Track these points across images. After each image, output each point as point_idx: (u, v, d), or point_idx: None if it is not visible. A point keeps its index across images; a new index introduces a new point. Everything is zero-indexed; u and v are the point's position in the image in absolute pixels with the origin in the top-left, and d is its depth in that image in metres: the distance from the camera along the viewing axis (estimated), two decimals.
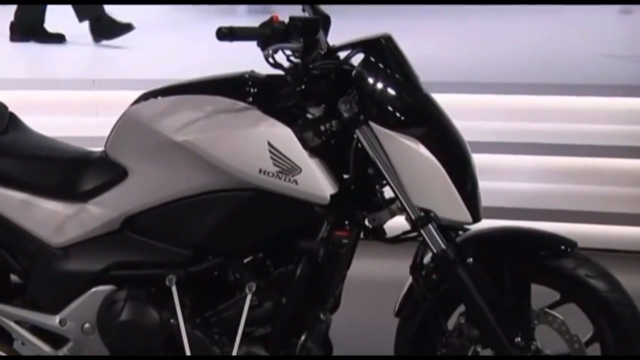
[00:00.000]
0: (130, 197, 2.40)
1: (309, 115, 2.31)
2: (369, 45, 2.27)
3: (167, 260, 2.38)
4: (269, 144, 2.24)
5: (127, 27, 5.51)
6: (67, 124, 4.57)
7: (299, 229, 2.31)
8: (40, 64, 5.54)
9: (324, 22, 2.37)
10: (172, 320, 2.36)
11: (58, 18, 5.72)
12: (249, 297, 2.31)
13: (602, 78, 4.80)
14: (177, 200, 2.34)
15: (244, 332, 2.32)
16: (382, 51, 2.26)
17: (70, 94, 4.84)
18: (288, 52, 2.24)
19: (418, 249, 2.33)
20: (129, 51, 5.52)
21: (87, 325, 2.43)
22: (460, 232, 2.29)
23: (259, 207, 2.30)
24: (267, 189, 2.26)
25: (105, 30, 5.53)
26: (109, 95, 4.68)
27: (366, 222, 2.32)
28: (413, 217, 2.24)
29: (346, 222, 2.33)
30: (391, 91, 2.25)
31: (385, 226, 2.33)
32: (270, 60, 2.18)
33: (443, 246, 2.23)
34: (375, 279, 3.53)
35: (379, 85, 2.24)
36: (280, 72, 2.25)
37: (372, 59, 2.25)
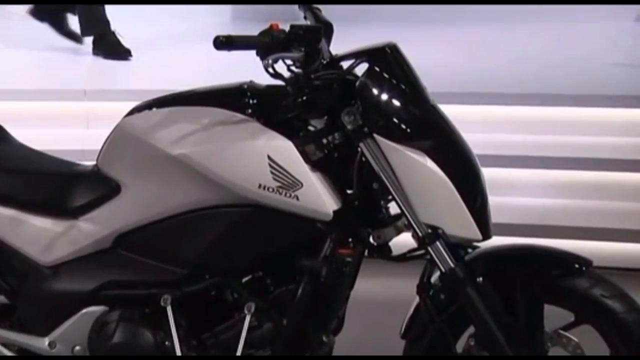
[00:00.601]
0: (123, 213, 2.40)
1: (311, 128, 2.32)
2: (373, 55, 2.28)
3: (162, 280, 2.38)
4: (269, 157, 2.25)
5: (126, 53, 5.53)
6: (57, 136, 4.56)
7: (300, 247, 2.32)
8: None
9: (327, 30, 2.39)
10: (167, 343, 2.36)
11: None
12: (247, 318, 2.31)
13: (616, 88, 4.81)
14: (172, 216, 2.35)
15: (242, 354, 2.32)
16: (387, 60, 2.27)
17: (60, 105, 4.84)
18: (289, 62, 2.25)
19: (425, 268, 2.33)
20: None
21: (77, 347, 2.43)
22: (470, 250, 2.28)
23: (258, 223, 2.31)
24: (266, 204, 2.26)
25: (107, 48, 5.56)
26: (101, 107, 4.68)
27: (371, 240, 2.32)
28: (420, 234, 2.24)
29: (350, 240, 2.33)
30: (397, 102, 2.25)
31: (391, 244, 2.34)
32: (270, 70, 2.18)
33: (451, 265, 2.23)
34: (381, 299, 3.53)
35: (384, 96, 2.25)
36: (280, 82, 2.25)
37: (377, 69, 2.26)
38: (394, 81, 2.26)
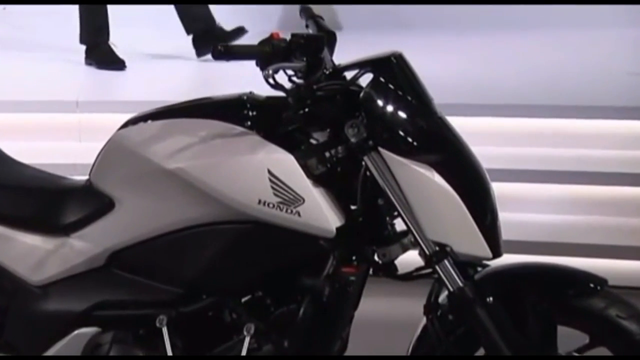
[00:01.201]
0: (116, 230, 2.41)
1: (313, 141, 2.32)
2: (378, 65, 2.29)
3: (157, 300, 2.38)
4: (269, 172, 2.25)
5: (120, 63, 5.50)
6: (48, 149, 4.58)
7: (302, 265, 2.32)
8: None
9: (329, 39, 2.39)
10: None
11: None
12: (247, 339, 2.31)
13: (633, 100, 4.81)
14: (168, 233, 2.35)
15: None
16: (392, 71, 2.28)
17: (51, 117, 4.84)
18: (290, 72, 2.26)
19: (433, 287, 2.33)
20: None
21: None
22: (479, 269, 2.29)
23: (258, 240, 2.31)
24: (267, 221, 2.27)
25: (99, 58, 5.56)
26: (94, 119, 4.69)
27: (376, 258, 2.33)
28: (427, 252, 2.24)
29: (354, 258, 2.33)
30: (402, 114, 2.26)
31: (397, 262, 2.34)
32: (271, 80, 2.19)
33: (460, 284, 2.23)
34: (386, 320, 3.53)
35: (389, 108, 2.26)
36: (281, 93, 2.26)
37: (382, 79, 2.27)
38: (400, 92, 2.27)
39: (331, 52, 2.43)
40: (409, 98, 2.27)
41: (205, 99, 2.45)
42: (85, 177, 2.50)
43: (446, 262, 2.23)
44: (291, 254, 2.32)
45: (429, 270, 2.27)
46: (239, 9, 6.18)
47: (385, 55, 2.30)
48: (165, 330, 2.35)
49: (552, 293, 2.26)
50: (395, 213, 2.28)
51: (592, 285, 2.25)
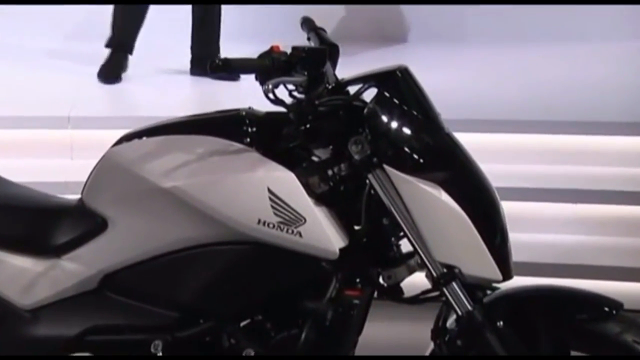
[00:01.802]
0: (110, 251, 2.41)
1: (315, 158, 2.33)
2: (382, 79, 2.30)
3: (152, 324, 2.38)
4: (269, 190, 2.26)
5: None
6: (38, 167, 4.57)
7: (303, 288, 2.32)
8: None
9: (332, 52, 2.40)
10: None
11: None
12: None
13: None
14: (164, 255, 2.36)
15: None
16: (397, 85, 2.29)
17: (42, 133, 4.83)
18: (291, 87, 2.27)
19: (441, 311, 2.33)
20: None
21: None
22: (489, 292, 2.29)
23: (257, 262, 2.32)
24: (266, 241, 2.27)
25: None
26: (86, 135, 4.69)
27: (381, 280, 2.33)
28: (434, 274, 2.24)
29: (358, 280, 2.34)
30: (408, 130, 2.27)
31: (403, 284, 2.34)
32: (271, 95, 2.19)
33: (469, 307, 2.23)
34: (392, 345, 3.52)
35: (395, 124, 2.26)
36: (281, 109, 2.27)
37: (387, 94, 2.28)
38: (406, 107, 2.27)
39: (334, 65, 2.43)
40: (415, 113, 2.28)
41: (203, 115, 2.46)
42: (77, 196, 2.51)
43: (454, 284, 2.23)
44: (292, 276, 2.33)
45: (437, 293, 2.27)
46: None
47: (390, 69, 2.31)
48: (160, 356, 2.35)
49: (566, 317, 2.26)
50: (401, 233, 2.28)
51: (607, 309, 2.25)
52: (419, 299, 2.33)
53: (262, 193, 2.26)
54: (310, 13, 2.66)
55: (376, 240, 2.32)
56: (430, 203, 2.23)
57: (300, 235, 2.25)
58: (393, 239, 2.33)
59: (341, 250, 2.28)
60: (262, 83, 2.21)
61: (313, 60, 2.24)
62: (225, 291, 2.34)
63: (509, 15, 6.44)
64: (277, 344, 2.34)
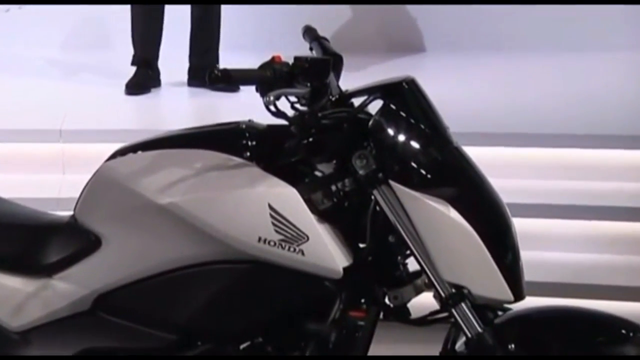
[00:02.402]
0: (103, 271, 2.41)
1: (318, 173, 2.34)
2: (388, 90, 2.30)
3: (148, 347, 2.38)
4: (270, 207, 2.26)
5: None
6: (28, 182, 4.58)
7: (305, 309, 2.32)
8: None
9: (335, 63, 2.41)
10: None
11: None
12: None
13: None
14: (160, 274, 2.36)
15: None
16: (404, 97, 2.29)
17: (32, 147, 4.84)
18: (293, 99, 2.28)
19: (449, 333, 2.33)
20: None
21: None
22: (500, 313, 2.29)
23: (257, 282, 2.32)
24: (267, 260, 2.27)
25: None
26: (79, 149, 4.70)
27: (386, 300, 2.33)
28: (443, 294, 2.24)
29: (362, 301, 2.34)
30: (415, 144, 2.27)
31: (410, 305, 2.34)
32: (272, 107, 2.20)
33: (479, 329, 2.23)
34: None
35: (401, 137, 2.27)
36: (283, 121, 2.27)
37: (393, 107, 2.28)
38: (412, 120, 2.28)
39: (337, 76, 2.44)
40: (422, 126, 2.28)
41: (201, 128, 2.47)
42: (70, 213, 2.51)
43: (463, 305, 2.23)
44: (294, 297, 2.33)
45: (445, 314, 2.27)
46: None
47: (396, 81, 2.32)
48: None
49: (580, 340, 2.26)
50: (408, 252, 2.28)
51: (624, 331, 2.25)
52: (426, 321, 2.33)
53: (262, 209, 2.26)
54: (315, 22, 2.67)
55: (382, 258, 2.32)
56: (438, 220, 2.23)
57: (303, 253, 2.26)
58: (399, 257, 2.33)
59: (345, 269, 2.28)
60: (262, 95, 2.21)
61: (316, 71, 2.24)
62: (224, 312, 2.34)
63: (525, 23, 6.49)
64: None
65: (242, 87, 4.82)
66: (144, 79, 5.59)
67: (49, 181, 4.64)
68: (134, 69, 5.60)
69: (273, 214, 2.26)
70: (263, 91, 2.22)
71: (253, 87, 2.27)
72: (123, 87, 5.51)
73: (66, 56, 6.39)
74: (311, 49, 2.52)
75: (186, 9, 5.73)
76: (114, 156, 2.45)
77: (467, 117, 4.55)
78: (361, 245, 2.34)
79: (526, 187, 4.45)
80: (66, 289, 2.44)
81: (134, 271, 2.37)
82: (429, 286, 2.28)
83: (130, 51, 5.64)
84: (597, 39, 6.44)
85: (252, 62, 2.36)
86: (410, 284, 2.33)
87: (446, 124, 2.31)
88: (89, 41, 6.58)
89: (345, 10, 6.66)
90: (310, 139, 2.27)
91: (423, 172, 2.26)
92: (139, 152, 2.42)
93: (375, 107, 2.30)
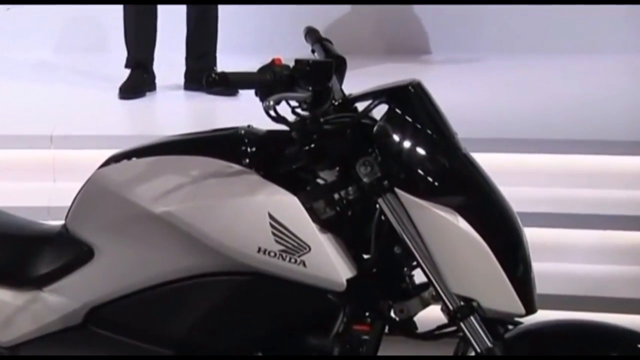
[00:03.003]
0: (96, 283, 2.41)
1: (320, 181, 2.34)
2: (393, 95, 2.30)
3: None
4: (270, 216, 2.26)
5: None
6: (17, 190, 4.58)
7: (307, 322, 2.32)
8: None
9: (338, 66, 2.41)
10: None
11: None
12: None
13: None
14: (155, 286, 2.36)
15: None
16: (410, 101, 2.29)
17: (22, 153, 4.85)
18: (294, 103, 2.27)
19: (458, 347, 2.33)
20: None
21: None
22: (510, 327, 2.29)
23: (257, 294, 2.32)
24: (267, 272, 2.27)
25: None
26: (70, 155, 4.70)
27: (392, 314, 2.33)
28: (451, 307, 2.24)
29: (367, 314, 2.34)
30: (422, 150, 2.27)
31: (416, 318, 2.34)
32: (272, 112, 2.19)
33: (489, 344, 2.23)
34: None
35: (407, 144, 2.27)
36: (284, 127, 2.27)
37: (398, 111, 2.28)
38: (419, 125, 2.28)
39: (340, 80, 2.44)
40: (429, 132, 2.28)
41: (198, 134, 2.47)
42: (61, 222, 2.51)
43: (472, 319, 2.23)
44: (295, 310, 2.32)
45: (453, 328, 2.27)
46: None
47: (401, 84, 2.32)
48: None
49: (594, 354, 2.26)
50: (414, 263, 2.28)
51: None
52: (434, 335, 2.33)
53: (262, 219, 2.26)
54: (315, 22, 2.68)
55: (387, 270, 2.32)
56: (446, 230, 2.23)
57: (304, 264, 2.26)
58: (405, 269, 2.33)
59: (349, 281, 2.28)
60: (262, 99, 2.21)
61: (318, 74, 2.24)
62: (222, 326, 2.34)
63: (532, 26, 6.50)
64: None
65: (241, 91, 4.87)
66: (139, 82, 5.60)
67: (39, 189, 4.64)
68: (128, 71, 5.61)
69: (273, 223, 2.26)
70: (263, 95, 2.22)
71: (252, 91, 2.27)
72: (117, 91, 5.52)
73: (57, 58, 6.40)
74: (313, 51, 2.52)
75: (182, 10, 5.73)
76: (107, 163, 2.45)
77: (473, 122, 4.54)
78: (365, 256, 2.34)
79: (537, 195, 4.44)
80: (57, 302, 2.44)
81: (128, 283, 2.37)
82: (437, 299, 2.27)
83: (124, 53, 5.65)
84: (606, 41, 6.45)
85: (251, 64, 2.36)
86: (416, 296, 2.32)
87: (454, 129, 2.31)
88: (82, 43, 6.60)
89: (347, 11, 6.67)
90: (312, 145, 2.26)
91: (430, 179, 2.26)
92: (134, 159, 2.43)
93: (380, 111, 2.30)
